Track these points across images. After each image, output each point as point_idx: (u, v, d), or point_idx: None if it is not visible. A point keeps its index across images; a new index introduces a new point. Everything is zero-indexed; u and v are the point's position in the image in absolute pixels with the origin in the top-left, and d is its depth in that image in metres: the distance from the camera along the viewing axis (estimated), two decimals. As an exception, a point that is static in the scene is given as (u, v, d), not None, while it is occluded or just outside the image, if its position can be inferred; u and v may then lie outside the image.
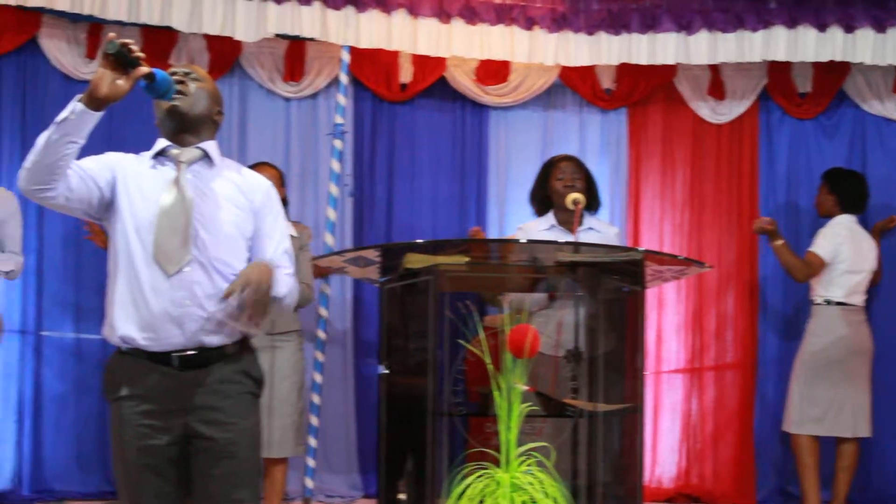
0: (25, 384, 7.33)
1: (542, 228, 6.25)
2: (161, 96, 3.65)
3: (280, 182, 6.47)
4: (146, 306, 3.57)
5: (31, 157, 3.55)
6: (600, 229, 6.27)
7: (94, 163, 3.71)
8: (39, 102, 7.38)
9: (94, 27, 7.35)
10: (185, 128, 3.73)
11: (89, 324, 7.36)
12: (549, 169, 6.34)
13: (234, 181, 3.78)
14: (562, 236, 6.07)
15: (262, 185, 3.87)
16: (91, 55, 7.39)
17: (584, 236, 6.06)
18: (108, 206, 3.70)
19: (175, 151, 3.73)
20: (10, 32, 7.18)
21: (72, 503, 7.24)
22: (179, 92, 3.68)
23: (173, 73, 3.71)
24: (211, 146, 3.79)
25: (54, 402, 7.40)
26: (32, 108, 7.36)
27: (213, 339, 3.62)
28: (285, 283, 3.78)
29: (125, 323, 3.60)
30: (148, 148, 3.84)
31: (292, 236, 6.29)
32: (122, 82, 3.43)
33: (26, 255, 7.23)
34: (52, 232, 7.39)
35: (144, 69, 3.46)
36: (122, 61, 3.42)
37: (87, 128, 3.48)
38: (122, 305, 3.61)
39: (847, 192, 7.28)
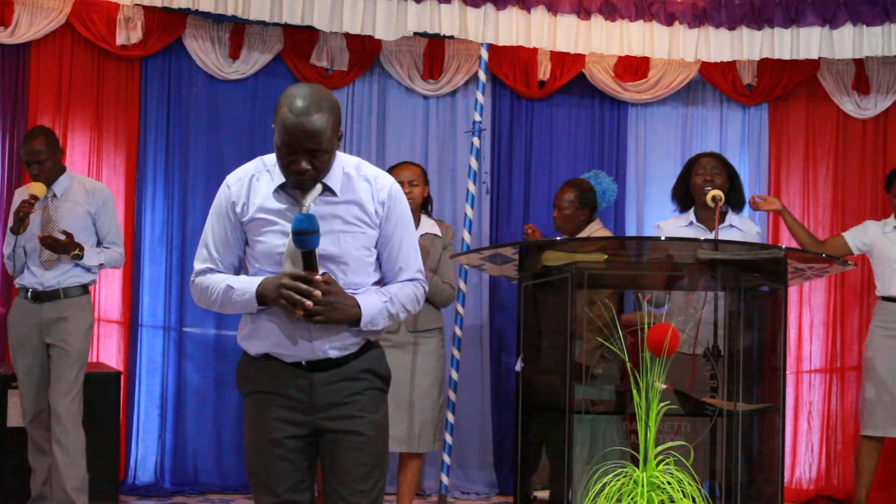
0: (168, 379, 7.50)
1: (681, 225, 6.19)
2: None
3: (423, 180, 6.44)
4: (279, 331, 3.61)
5: (207, 304, 3.71)
6: (742, 227, 6.19)
7: (225, 231, 3.69)
8: (184, 101, 7.56)
9: (237, 27, 7.51)
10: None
11: (229, 320, 7.46)
12: (690, 165, 6.28)
13: (359, 199, 3.64)
14: (701, 234, 6.00)
15: (382, 191, 3.68)
16: (234, 55, 7.55)
17: (725, 234, 6.00)
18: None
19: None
20: (156, 33, 7.36)
21: (212, 496, 7.39)
22: (300, 177, 3.50)
23: (289, 164, 3.49)
24: (332, 177, 3.59)
25: (196, 397, 7.57)
26: (177, 107, 7.55)
27: (339, 353, 3.66)
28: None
29: (257, 342, 3.66)
30: None
31: (435, 235, 6.32)
32: None
33: (168, 252, 7.40)
34: (195, 231, 7.47)
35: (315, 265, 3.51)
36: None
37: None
38: (257, 325, 3.66)
39: None
